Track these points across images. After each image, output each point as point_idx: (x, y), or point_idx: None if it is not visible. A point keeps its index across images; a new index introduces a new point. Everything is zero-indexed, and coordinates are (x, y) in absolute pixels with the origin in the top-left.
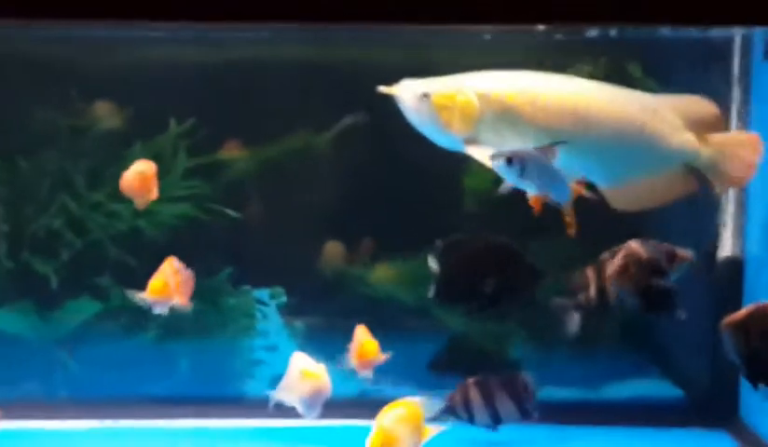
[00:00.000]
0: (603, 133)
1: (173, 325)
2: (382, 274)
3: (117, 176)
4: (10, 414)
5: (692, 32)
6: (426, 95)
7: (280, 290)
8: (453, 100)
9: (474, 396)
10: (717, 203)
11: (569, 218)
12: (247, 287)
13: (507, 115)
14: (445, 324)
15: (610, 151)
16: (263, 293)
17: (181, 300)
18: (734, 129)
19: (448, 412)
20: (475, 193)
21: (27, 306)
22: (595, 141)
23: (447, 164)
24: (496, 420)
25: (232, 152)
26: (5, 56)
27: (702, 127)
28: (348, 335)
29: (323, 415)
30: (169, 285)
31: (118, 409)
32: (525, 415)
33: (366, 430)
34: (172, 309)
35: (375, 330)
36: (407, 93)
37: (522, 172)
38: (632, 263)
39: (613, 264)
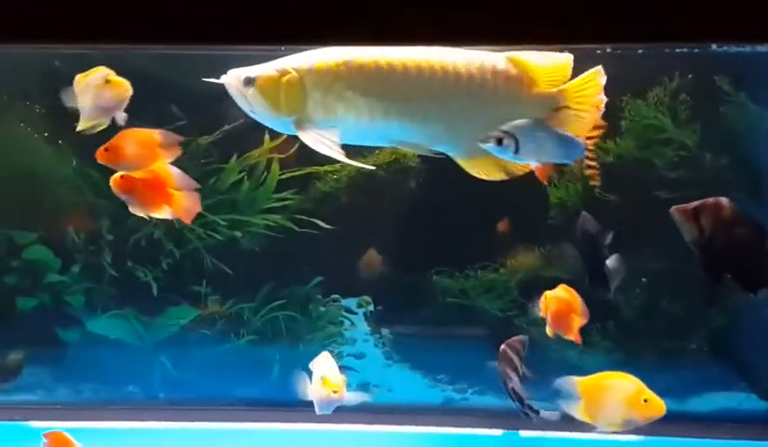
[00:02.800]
0: (441, 98)
1: (266, 331)
2: (471, 283)
3: (215, 189)
4: (113, 415)
5: None
6: (250, 80)
7: (367, 299)
8: (278, 82)
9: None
10: None
11: (591, 171)
12: (336, 295)
13: (335, 89)
14: (529, 333)
15: (451, 116)
16: (351, 302)
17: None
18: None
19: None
20: (561, 204)
21: (129, 313)
22: (433, 107)
23: (533, 175)
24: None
25: None
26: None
27: (556, 79)
28: (433, 342)
29: (410, 423)
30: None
31: (213, 411)
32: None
33: (451, 438)
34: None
35: (458, 338)
36: (233, 80)
37: (517, 148)
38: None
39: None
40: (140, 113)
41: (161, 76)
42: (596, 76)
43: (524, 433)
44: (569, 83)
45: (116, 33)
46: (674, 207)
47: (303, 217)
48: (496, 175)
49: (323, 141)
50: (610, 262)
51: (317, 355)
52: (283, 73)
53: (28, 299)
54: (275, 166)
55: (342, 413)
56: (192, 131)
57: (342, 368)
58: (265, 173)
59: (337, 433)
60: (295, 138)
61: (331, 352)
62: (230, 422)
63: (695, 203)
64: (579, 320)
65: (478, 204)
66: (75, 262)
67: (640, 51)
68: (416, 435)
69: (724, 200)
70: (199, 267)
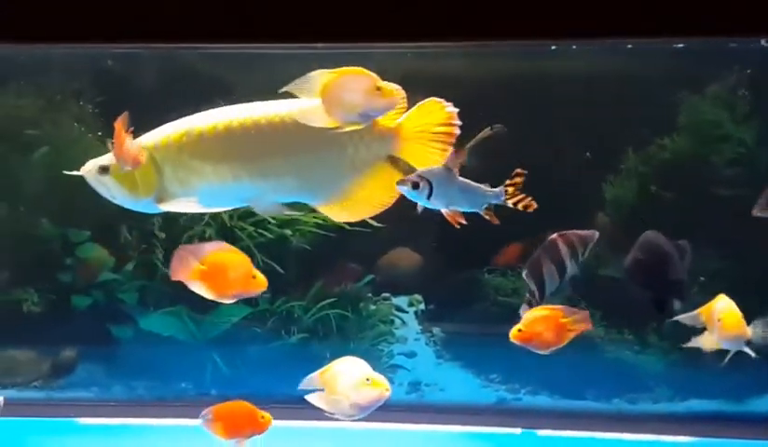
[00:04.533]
0: (285, 151)
1: (316, 329)
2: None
3: None
4: (166, 412)
5: None
6: (104, 168)
7: (418, 297)
8: None
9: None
10: None
11: (523, 203)
12: (386, 294)
13: (183, 161)
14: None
15: (298, 167)
16: (402, 300)
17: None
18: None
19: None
20: (616, 202)
21: (181, 310)
22: (279, 161)
23: (587, 174)
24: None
25: None
26: (163, 72)
27: (392, 114)
28: (485, 341)
29: (462, 422)
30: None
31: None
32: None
33: (504, 438)
34: None
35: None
36: (89, 171)
37: (430, 193)
38: None
39: None
40: (188, 109)
41: (210, 74)
42: (435, 105)
43: (577, 434)
44: (405, 116)
45: (160, 33)
46: None
47: None
48: (356, 217)
49: (186, 207)
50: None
51: (368, 353)
52: None
53: (83, 297)
54: None
55: (393, 412)
56: None
57: (393, 366)
58: None
59: (388, 432)
60: None
61: (381, 350)
62: (281, 419)
63: None
64: (570, 319)
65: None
66: (128, 260)
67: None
68: (468, 434)
69: None
70: None
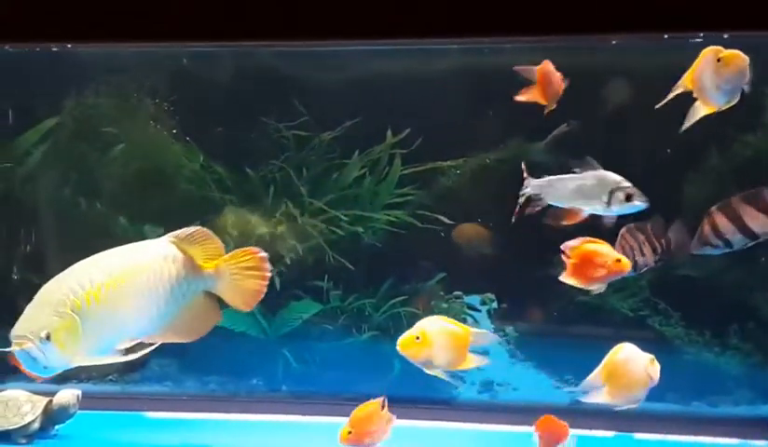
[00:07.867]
0: (146, 292)
1: (387, 327)
2: None
3: (337, 184)
4: (235, 407)
5: None
6: (48, 335)
7: (491, 296)
8: (73, 327)
9: (722, 222)
10: None
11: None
12: (458, 292)
13: (99, 315)
14: (661, 333)
15: (140, 306)
16: (474, 299)
17: None
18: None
19: (703, 244)
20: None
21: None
22: (144, 301)
23: (665, 172)
24: (752, 237)
25: None
26: (237, 70)
27: (211, 254)
28: (560, 341)
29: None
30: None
31: (334, 405)
32: None
33: (578, 440)
34: None
35: (587, 338)
36: (27, 340)
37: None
38: None
39: None
40: (265, 108)
41: (285, 73)
42: (247, 253)
43: (656, 437)
44: (221, 260)
45: (234, 31)
46: None
47: (425, 213)
48: (184, 339)
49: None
50: None
51: None
52: (56, 316)
53: None
54: (397, 161)
55: (465, 410)
56: (315, 127)
57: None
58: (387, 168)
59: (460, 431)
60: (418, 133)
61: None
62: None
63: None
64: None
65: None
66: None
67: None
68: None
69: None
70: (321, 262)
